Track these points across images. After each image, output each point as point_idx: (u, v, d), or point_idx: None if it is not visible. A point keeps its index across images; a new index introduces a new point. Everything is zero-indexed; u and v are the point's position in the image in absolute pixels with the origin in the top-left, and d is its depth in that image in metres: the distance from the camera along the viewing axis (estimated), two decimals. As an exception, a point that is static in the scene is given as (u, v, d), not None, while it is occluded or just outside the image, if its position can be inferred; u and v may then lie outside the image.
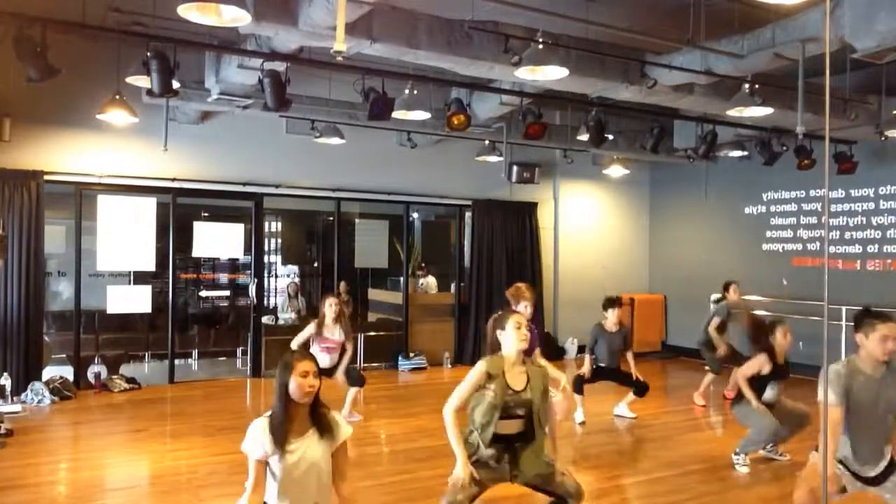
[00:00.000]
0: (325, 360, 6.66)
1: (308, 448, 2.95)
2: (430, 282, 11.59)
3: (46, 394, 7.67)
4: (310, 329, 6.82)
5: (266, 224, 10.81)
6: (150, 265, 9.00)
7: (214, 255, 10.73)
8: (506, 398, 3.61)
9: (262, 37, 6.32)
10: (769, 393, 5.71)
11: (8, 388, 7.44)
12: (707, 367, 8.45)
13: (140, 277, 9.26)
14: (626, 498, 5.13)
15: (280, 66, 6.64)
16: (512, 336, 3.70)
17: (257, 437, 2.95)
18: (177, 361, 9.22)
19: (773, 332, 5.71)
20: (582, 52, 6.57)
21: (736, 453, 5.85)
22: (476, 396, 3.69)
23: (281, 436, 2.91)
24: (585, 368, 7.22)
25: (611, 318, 7.23)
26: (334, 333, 6.85)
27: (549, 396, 3.84)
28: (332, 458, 3.02)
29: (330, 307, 6.83)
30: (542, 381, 3.77)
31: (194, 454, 5.99)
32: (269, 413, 3.00)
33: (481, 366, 3.69)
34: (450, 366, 10.65)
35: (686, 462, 5.97)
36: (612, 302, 7.29)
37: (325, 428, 3.00)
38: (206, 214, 10.35)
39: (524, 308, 5.01)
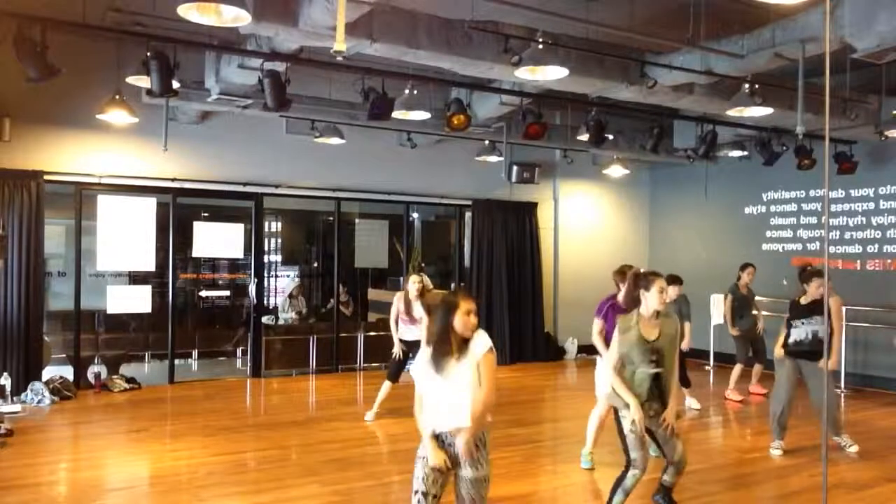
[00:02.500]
0: (414, 333, 7.04)
1: (458, 370, 3.30)
2: (426, 281, 11.52)
3: (46, 394, 7.67)
4: (397, 304, 7.18)
5: (266, 224, 10.81)
6: (150, 265, 9.00)
7: (214, 255, 10.72)
8: (640, 346, 4.23)
9: (262, 37, 6.32)
10: (796, 333, 6.05)
11: (8, 388, 7.42)
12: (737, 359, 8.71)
13: (140, 277, 9.26)
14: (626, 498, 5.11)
15: (280, 66, 6.64)
16: (654, 298, 4.23)
17: (420, 363, 3.39)
18: (177, 361, 9.21)
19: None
20: (582, 52, 6.57)
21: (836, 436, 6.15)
22: (624, 345, 4.31)
23: (438, 367, 3.30)
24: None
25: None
26: (416, 309, 7.09)
27: (677, 344, 4.37)
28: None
29: (414, 284, 7.15)
30: (674, 329, 4.33)
31: (194, 454, 5.99)
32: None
33: (617, 330, 4.39)
34: (450, 366, 10.62)
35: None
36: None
37: (466, 351, 3.33)
38: (206, 214, 10.35)
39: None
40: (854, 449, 6.13)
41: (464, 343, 3.33)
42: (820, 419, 6.10)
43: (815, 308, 5.95)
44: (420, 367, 3.40)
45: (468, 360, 3.30)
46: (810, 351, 5.95)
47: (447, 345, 3.30)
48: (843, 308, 9.03)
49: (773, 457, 6.03)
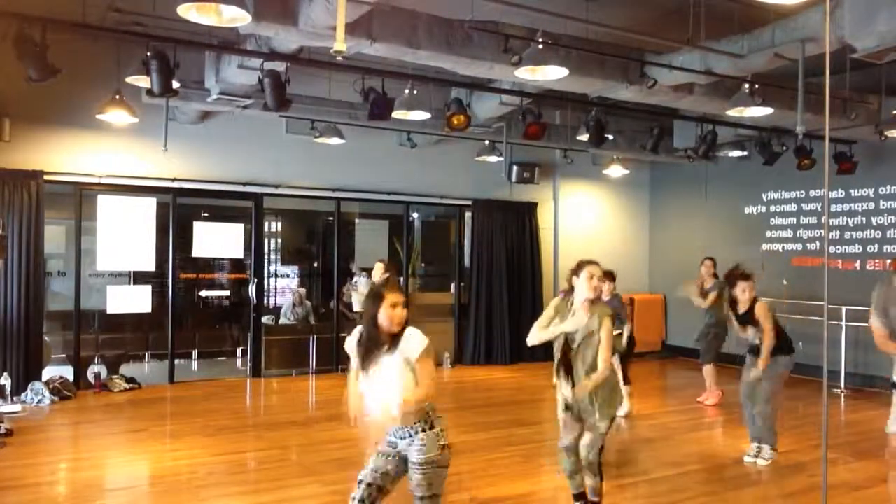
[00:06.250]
0: None
1: (386, 364, 3.27)
2: (362, 282, 11.05)
3: (46, 394, 7.67)
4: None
5: (266, 224, 10.80)
6: (150, 265, 9.00)
7: (214, 255, 10.73)
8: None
9: (262, 37, 6.32)
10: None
11: (8, 388, 7.43)
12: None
13: (140, 277, 9.27)
14: (626, 498, 5.13)
15: (280, 66, 6.64)
16: (583, 285, 4.11)
17: (350, 349, 3.42)
18: (177, 361, 9.21)
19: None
20: (582, 52, 6.57)
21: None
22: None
23: (367, 359, 3.29)
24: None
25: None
26: None
27: (602, 332, 4.10)
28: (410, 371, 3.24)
29: (378, 269, 6.98)
30: (601, 316, 4.10)
31: (194, 454, 5.99)
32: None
33: (552, 302, 4.32)
34: (450, 366, 10.64)
35: (686, 462, 5.97)
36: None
37: (397, 344, 3.26)
38: (206, 214, 10.35)
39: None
40: (764, 462, 5.87)
41: (392, 337, 3.26)
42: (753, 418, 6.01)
43: (746, 318, 5.78)
44: (351, 350, 3.41)
45: (397, 356, 3.24)
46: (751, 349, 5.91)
47: (374, 338, 3.27)
48: (844, 309, 9.03)
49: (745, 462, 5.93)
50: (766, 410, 5.80)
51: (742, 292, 5.75)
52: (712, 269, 8.54)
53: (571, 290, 4.25)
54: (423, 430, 3.28)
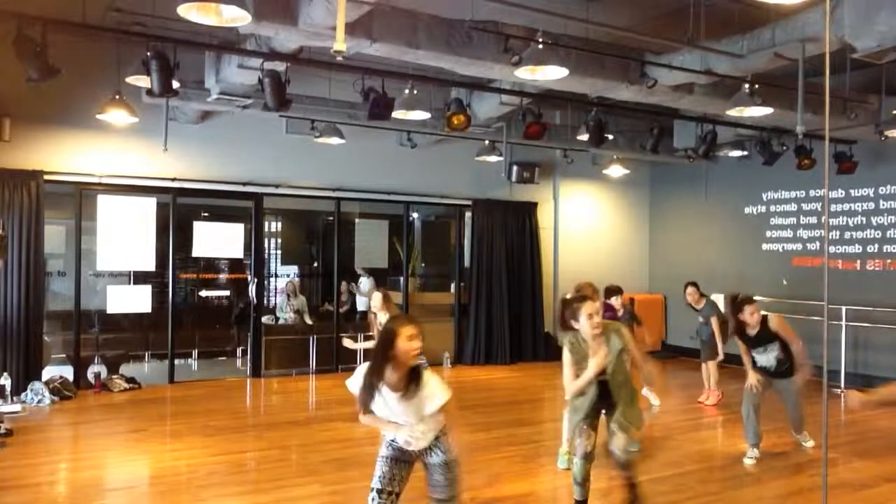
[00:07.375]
0: None
1: (393, 403, 3.24)
2: (364, 282, 11.12)
3: (46, 394, 7.67)
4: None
5: (266, 224, 10.81)
6: (150, 265, 9.00)
7: (214, 255, 10.73)
8: (584, 365, 4.25)
9: (262, 37, 6.32)
10: (759, 361, 6.01)
11: (8, 388, 7.43)
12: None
13: (140, 277, 9.27)
14: (626, 498, 5.12)
15: (280, 66, 6.64)
16: (585, 326, 4.17)
17: (356, 383, 3.37)
18: (177, 361, 9.21)
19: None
20: (582, 52, 6.56)
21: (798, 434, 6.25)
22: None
23: (368, 397, 3.23)
24: None
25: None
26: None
27: (625, 353, 4.24)
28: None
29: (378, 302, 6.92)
30: (616, 332, 4.21)
31: (194, 454, 5.99)
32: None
33: (565, 352, 4.38)
34: (449, 366, 10.64)
35: (686, 462, 5.97)
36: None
37: (413, 390, 3.21)
38: (206, 214, 10.35)
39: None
40: (811, 443, 6.21)
41: (410, 377, 3.22)
42: (791, 423, 6.23)
43: (764, 336, 5.83)
44: (356, 385, 3.37)
45: (416, 401, 3.21)
46: (778, 372, 5.94)
47: (379, 377, 3.21)
48: (844, 309, 9.03)
49: (746, 465, 5.93)
50: (799, 409, 6.10)
51: (751, 315, 5.81)
52: (696, 294, 8.40)
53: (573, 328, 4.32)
54: (444, 434, 3.38)
